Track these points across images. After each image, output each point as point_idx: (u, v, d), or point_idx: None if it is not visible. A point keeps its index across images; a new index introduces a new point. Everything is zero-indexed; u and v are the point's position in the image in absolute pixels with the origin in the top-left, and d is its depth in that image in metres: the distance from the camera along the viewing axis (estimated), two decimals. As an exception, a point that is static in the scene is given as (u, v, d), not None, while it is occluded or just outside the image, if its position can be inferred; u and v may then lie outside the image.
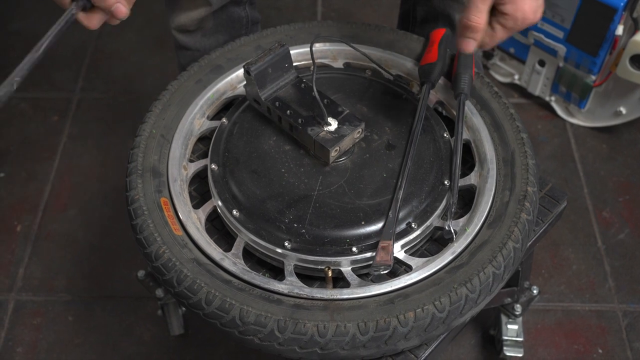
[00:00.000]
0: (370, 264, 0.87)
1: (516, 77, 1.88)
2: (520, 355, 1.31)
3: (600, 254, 1.57)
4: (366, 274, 0.91)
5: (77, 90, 1.93)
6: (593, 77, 1.69)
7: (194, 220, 0.93)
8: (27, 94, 1.88)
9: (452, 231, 0.92)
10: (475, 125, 1.02)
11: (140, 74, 1.98)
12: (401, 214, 0.91)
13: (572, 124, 1.83)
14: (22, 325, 1.46)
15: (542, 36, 1.70)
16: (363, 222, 0.89)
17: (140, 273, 1.32)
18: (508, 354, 1.31)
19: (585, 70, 1.69)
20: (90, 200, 1.67)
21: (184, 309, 1.41)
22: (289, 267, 0.89)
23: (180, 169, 0.97)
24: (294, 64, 1.00)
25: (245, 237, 0.91)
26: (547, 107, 1.86)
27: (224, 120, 1.00)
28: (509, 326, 1.31)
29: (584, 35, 1.63)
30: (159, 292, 1.31)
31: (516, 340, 1.31)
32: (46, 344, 1.43)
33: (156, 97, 1.03)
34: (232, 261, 0.88)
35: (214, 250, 0.89)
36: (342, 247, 0.88)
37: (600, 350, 1.42)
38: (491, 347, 1.42)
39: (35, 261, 1.56)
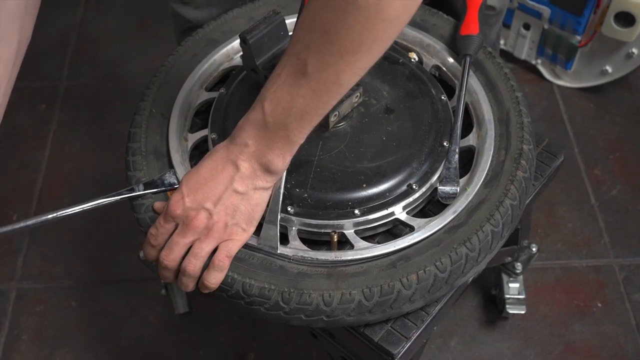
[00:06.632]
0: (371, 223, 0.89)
1: (502, 42, 1.89)
2: (523, 312, 1.34)
3: (594, 211, 1.60)
4: (370, 237, 0.91)
5: (63, 77, 1.91)
6: (578, 38, 1.71)
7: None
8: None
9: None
10: (472, 86, 1.02)
11: (125, 59, 1.97)
12: (402, 176, 0.91)
13: (559, 86, 1.85)
14: (25, 314, 1.46)
15: (526, -1, 1.71)
16: (364, 185, 0.90)
17: (142, 254, 1.31)
18: (511, 311, 1.33)
19: (570, 30, 1.70)
20: (85, 186, 1.67)
21: (187, 287, 1.41)
22: (292, 232, 0.89)
23: (180, 141, 0.97)
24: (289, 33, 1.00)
25: (248, 204, 0.91)
26: (534, 70, 1.87)
27: (222, 90, 1.01)
28: (511, 285, 1.34)
29: (568, -4, 1.64)
30: (162, 271, 1.31)
31: (518, 298, 1.33)
32: (52, 330, 1.44)
33: (154, 74, 1.03)
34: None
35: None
36: (345, 210, 0.89)
37: (599, 304, 1.45)
38: (493, 307, 1.44)
39: (34, 249, 1.56)
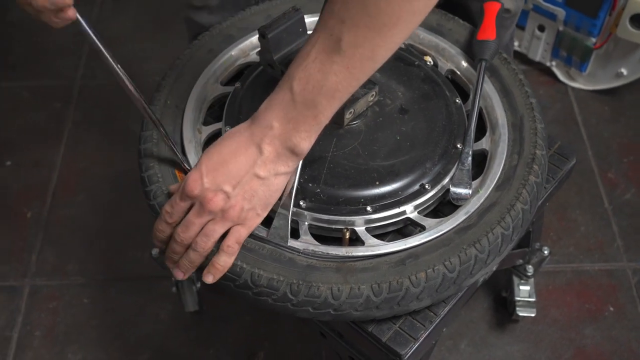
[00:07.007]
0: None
1: (516, 44, 1.88)
2: (533, 315, 1.33)
3: (607, 215, 1.59)
4: (380, 235, 0.91)
5: (78, 77, 1.93)
6: (593, 40, 1.70)
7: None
8: (28, 83, 1.88)
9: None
10: (487, 91, 1.02)
11: (139, 58, 1.98)
12: (414, 175, 0.92)
13: (573, 88, 1.84)
14: (38, 310, 1.47)
15: (541, 0, 1.71)
16: (377, 183, 0.90)
17: (155, 251, 1.32)
18: (521, 314, 1.33)
19: (585, 32, 1.69)
20: (98, 184, 1.68)
21: (198, 285, 1.42)
22: (303, 227, 0.90)
23: (194, 132, 0.98)
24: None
25: (259, 196, 0.91)
26: (548, 72, 1.87)
27: (237, 84, 1.01)
28: (521, 287, 1.33)
29: (583, -2, 1.64)
30: (174, 269, 1.32)
31: (529, 301, 1.33)
32: (64, 327, 1.45)
33: (170, 66, 1.04)
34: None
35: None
36: (357, 207, 0.89)
37: (611, 308, 1.44)
38: (503, 309, 1.43)
39: (47, 246, 1.57)
